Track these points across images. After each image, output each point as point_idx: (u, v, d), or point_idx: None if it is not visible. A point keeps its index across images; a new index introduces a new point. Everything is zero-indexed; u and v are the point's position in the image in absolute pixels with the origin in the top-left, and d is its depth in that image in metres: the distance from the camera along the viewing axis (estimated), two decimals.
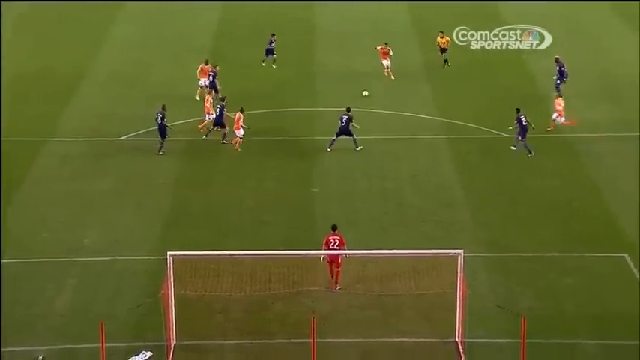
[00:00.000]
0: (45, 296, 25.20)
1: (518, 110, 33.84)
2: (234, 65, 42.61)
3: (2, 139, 34.62)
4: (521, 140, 33.54)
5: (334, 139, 33.68)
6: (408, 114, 37.39)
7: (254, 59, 43.66)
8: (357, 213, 29.63)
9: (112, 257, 27.05)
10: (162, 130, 33.83)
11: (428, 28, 47.04)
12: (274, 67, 41.42)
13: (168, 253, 23.09)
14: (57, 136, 35.68)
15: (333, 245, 25.12)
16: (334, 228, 25.53)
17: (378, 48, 40.45)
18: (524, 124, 33.47)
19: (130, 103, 38.93)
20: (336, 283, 25.15)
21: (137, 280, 25.81)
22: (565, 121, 34.81)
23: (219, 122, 34.39)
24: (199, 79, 38.65)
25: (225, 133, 34.37)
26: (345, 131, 33.63)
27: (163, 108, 34.22)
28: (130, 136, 35.63)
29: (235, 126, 33.83)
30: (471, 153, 34.14)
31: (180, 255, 23.53)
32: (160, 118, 33.87)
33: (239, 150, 33.72)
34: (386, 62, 40.21)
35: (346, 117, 33.76)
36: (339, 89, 39.87)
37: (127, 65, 43.07)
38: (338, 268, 25.14)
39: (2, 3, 46.53)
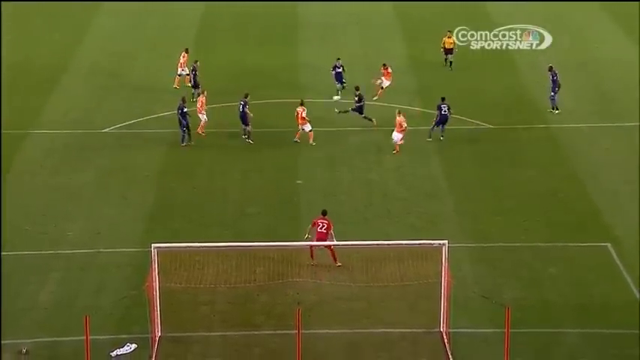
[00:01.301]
0: (29, 289, 25.09)
1: (443, 99, 34.08)
2: (218, 57, 42.49)
3: None
4: (435, 126, 33.90)
5: (366, 117, 35.11)
6: (392, 105, 37.40)
7: (237, 51, 43.54)
8: (341, 204, 29.65)
9: (96, 250, 26.95)
10: (183, 121, 33.45)
11: (411, 20, 47.12)
12: (337, 97, 36.75)
13: (152, 245, 23.06)
14: (40, 129, 35.46)
15: (320, 228, 25.37)
16: (324, 213, 25.73)
17: (382, 70, 37.67)
18: (443, 112, 33.75)
19: (113, 95, 38.72)
20: (335, 260, 25.51)
21: (121, 273, 25.74)
22: (399, 140, 32.64)
23: (244, 120, 33.84)
24: (179, 69, 38.56)
25: (249, 131, 33.87)
26: (360, 110, 35.14)
27: (183, 100, 33.89)
28: (113, 129, 35.47)
29: (301, 122, 33.53)
30: (455, 144, 34.23)
31: (165, 247, 23.50)
32: (180, 110, 33.44)
33: (314, 143, 33.41)
34: (386, 82, 37.74)
35: (357, 96, 35.13)
36: (323, 81, 39.81)
37: (109, 58, 42.82)
38: (331, 248, 25.42)
39: (2, 3, 46.11)
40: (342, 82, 37.43)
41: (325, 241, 25.26)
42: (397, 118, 32.80)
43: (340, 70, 37.59)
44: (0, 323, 23.30)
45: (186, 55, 38.88)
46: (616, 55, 42.77)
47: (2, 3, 46.17)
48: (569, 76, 39.09)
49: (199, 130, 34.17)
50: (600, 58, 42.58)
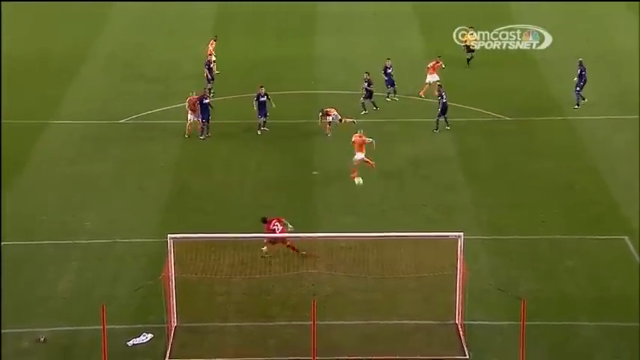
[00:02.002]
0: (46, 279, 25.29)
1: (440, 86, 33.94)
2: (235, 49, 42.50)
3: (2, 121, 34.62)
4: (440, 115, 33.70)
5: (370, 102, 35.65)
6: (409, 97, 37.30)
7: (253, 43, 43.55)
8: (357, 196, 29.63)
9: (113, 240, 27.11)
10: (205, 112, 33.35)
11: (429, 12, 46.91)
12: (397, 99, 36.26)
13: (168, 235, 23.16)
14: (58, 119, 35.67)
15: (278, 230, 25.22)
16: (265, 220, 25.53)
17: (429, 65, 37.19)
18: (444, 100, 33.53)
19: (130, 86, 38.87)
20: (295, 249, 25.41)
21: (138, 263, 25.87)
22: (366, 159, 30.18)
23: (264, 112, 33.50)
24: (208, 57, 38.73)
25: (264, 122, 33.74)
26: (370, 96, 35.49)
27: (204, 91, 33.97)
28: (130, 119, 35.61)
29: (330, 112, 33.41)
30: (472, 135, 34.11)
31: (181, 238, 23.60)
32: (200, 102, 33.38)
33: (329, 135, 33.27)
34: (432, 78, 36.57)
35: (368, 78, 35.48)
36: (339, 72, 39.78)
37: (126, 49, 42.97)
38: (290, 243, 25.33)
39: (2, 3, 46.35)
40: (393, 85, 36.42)
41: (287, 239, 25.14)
42: (356, 138, 30.09)
43: (390, 70, 36.30)
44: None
45: (214, 43, 39.02)
46: (635, 46, 42.41)
47: (2, 3, 46.35)
48: (589, 67, 38.81)
49: (187, 132, 33.30)
50: (619, 49, 42.25)
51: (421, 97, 36.79)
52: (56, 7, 48.70)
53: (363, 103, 35.60)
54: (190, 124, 33.62)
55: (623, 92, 37.89)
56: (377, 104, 35.76)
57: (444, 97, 33.90)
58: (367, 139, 30.27)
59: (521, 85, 38.71)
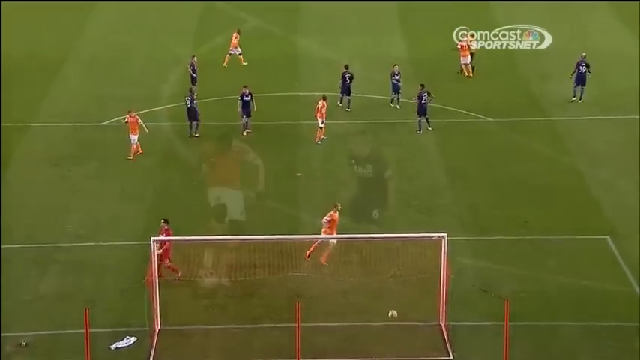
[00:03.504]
0: (29, 282, 25.16)
1: (422, 86, 33.88)
2: (218, 49, 42.40)
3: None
4: (418, 117, 33.66)
5: (342, 96, 35.64)
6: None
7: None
8: (340, 198, 29.61)
9: (96, 243, 27.00)
10: (193, 113, 33.23)
11: (412, 8, 46.98)
12: (399, 107, 35.49)
13: (152, 238, 23.09)
14: (40, 122, 35.48)
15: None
16: (166, 221, 24.65)
17: (459, 45, 37.32)
18: (423, 101, 33.52)
19: (114, 87, 38.71)
20: (160, 275, 23.82)
21: (121, 266, 25.78)
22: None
23: (248, 112, 33.38)
24: (231, 49, 39.60)
25: (246, 123, 33.58)
26: (347, 90, 35.45)
27: (191, 90, 33.90)
28: (114, 121, 35.47)
29: (319, 114, 32.60)
30: (455, 136, 34.22)
31: (164, 240, 23.51)
32: (189, 101, 33.29)
33: (319, 143, 32.82)
34: (465, 60, 37.51)
35: (348, 74, 35.41)
36: (322, 73, 39.77)
37: (108, 50, 42.79)
38: (167, 261, 24.42)
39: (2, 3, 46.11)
40: (398, 91, 35.58)
41: (168, 252, 24.09)
42: (334, 216, 25.15)
43: (398, 77, 35.52)
44: (0, 318, 23.37)
45: (238, 35, 39.60)
46: (617, 47, 42.68)
47: (2, 2, 46.10)
48: (569, 68, 39.07)
49: (132, 155, 31.79)
50: (601, 50, 42.44)
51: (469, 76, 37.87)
52: (38, 8, 48.41)
53: (341, 97, 35.63)
54: (135, 145, 32.05)
55: (605, 92, 38.08)
56: (349, 105, 35.65)
57: (424, 98, 33.77)
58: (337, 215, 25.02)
59: (504, 86, 38.86)
